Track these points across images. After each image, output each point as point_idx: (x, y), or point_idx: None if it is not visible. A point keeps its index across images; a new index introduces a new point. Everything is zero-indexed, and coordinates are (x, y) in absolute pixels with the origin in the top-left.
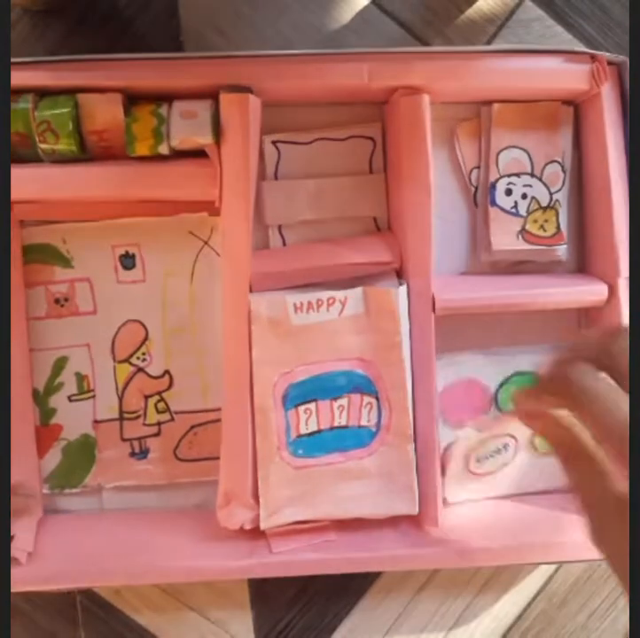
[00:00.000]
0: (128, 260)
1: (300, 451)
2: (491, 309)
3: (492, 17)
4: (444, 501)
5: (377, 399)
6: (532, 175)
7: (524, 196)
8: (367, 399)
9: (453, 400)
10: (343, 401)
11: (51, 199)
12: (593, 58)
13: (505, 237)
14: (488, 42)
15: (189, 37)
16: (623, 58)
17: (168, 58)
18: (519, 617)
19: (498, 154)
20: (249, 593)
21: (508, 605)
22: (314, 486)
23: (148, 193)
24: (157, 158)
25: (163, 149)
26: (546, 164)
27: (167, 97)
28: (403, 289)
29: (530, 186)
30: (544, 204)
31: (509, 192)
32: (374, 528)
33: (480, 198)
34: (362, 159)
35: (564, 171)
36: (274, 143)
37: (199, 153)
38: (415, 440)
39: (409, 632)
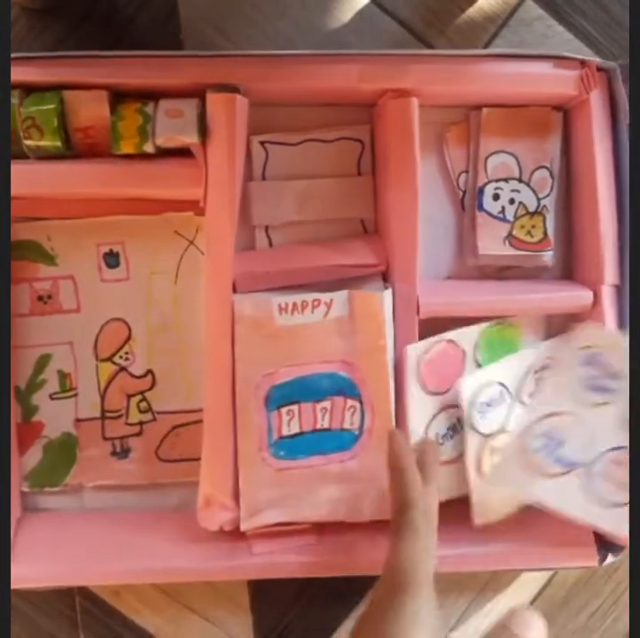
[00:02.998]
0: (112, 259)
1: (282, 453)
2: (476, 314)
3: (493, 16)
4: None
5: (360, 402)
6: (520, 180)
7: (511, 201)
8: (350, 402)
9: (430, 367)
10: (326, 404)
11: (36, 196)
12: (583, 63)
13: (492, 242)
14: (489, 42)
15: (188, 36)
16: (612, 64)
17: (156, 56)
18: None
19: (486, 159)
20: (249, 594)
21: (509, 605)
22: (295, 488)
23: (133, 191)
24: (142, 156)
25: (148, 147)
26: (534, 169)
27: (153, 96)
28: (388, 293)
29: (518, 191)
30: (532, 209)
31: (496, 197)
32: (355, 532)
33: (467, 202)
34: (350, 161)
35: (552, 177)
36: (262, 143)
37: (185, 152)
38: None
39: None
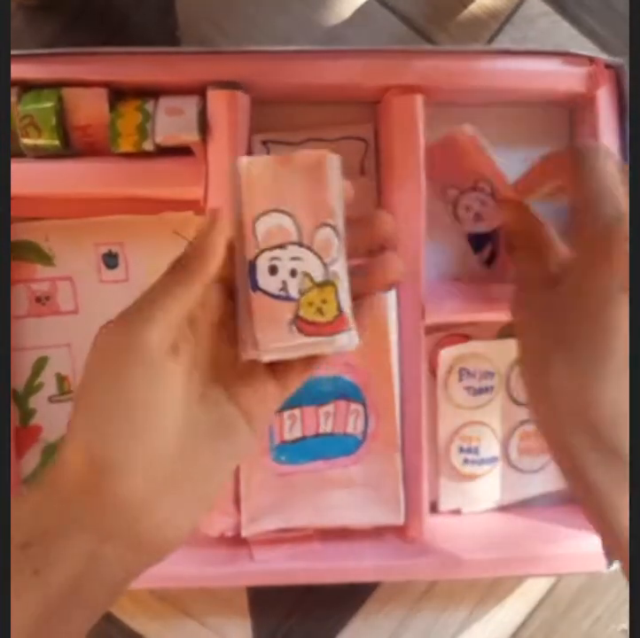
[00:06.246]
0: (110, 259)
1: (283, 457)
2: (482, 318)
3: (496, 12)
4: (434, 506)
5: (364, 406)
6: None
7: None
8: (354, 406)
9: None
10: (329, 408)
11: (34, 196)
12: (591, 60)
13: None
14: (492, 39)
15: (185, 32)
16: (620, 61)
17: (155, 53)
18: (522, 624)
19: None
20: (248, 599)
21: (511, 613)
22: (296, 493)
23: (132, 191)
24: (142, 155)
25: (148, 145)
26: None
27: (153, 93)
28: (393, 294)
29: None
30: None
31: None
32: (358, 538)
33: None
34: (353, 160)
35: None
36: (264, 142)
37: (185, 150)
38: (402, 449)
39: None
